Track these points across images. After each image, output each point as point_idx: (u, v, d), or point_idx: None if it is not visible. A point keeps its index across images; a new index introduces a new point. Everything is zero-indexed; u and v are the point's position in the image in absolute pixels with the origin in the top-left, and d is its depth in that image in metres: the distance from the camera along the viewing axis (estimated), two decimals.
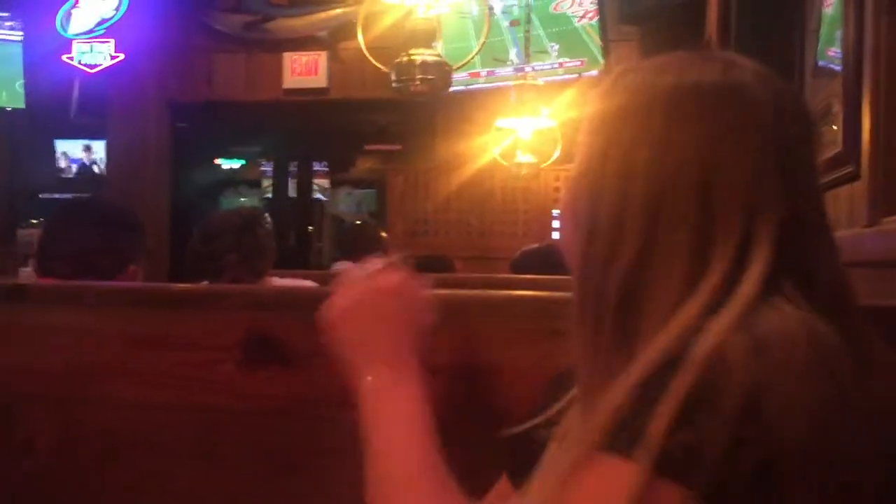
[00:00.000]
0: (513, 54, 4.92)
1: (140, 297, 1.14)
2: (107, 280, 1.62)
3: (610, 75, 0.74)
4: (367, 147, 8.31)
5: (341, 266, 3.52)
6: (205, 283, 2.21)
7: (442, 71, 2.13)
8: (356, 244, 3.65)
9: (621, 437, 0.56)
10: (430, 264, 4.22)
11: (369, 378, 0.79)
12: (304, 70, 5.84)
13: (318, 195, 8.95)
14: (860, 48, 1.59)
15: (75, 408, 1.11)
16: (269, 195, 8.76)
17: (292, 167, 8.49)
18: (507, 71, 5.17)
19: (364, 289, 0.83)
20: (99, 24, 5.95)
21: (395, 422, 0.77)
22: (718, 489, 0.53)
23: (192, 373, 1.08)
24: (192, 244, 2.31)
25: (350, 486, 1.03)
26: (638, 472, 0.54)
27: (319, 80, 5.81)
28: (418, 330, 0.83)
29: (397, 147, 7.41)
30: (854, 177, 1.58)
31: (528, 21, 4.41)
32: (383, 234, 3.86)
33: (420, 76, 2.07)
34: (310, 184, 8.54)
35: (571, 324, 0.70)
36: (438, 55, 2.15)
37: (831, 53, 1.98)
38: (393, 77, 2.16)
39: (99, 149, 7.18)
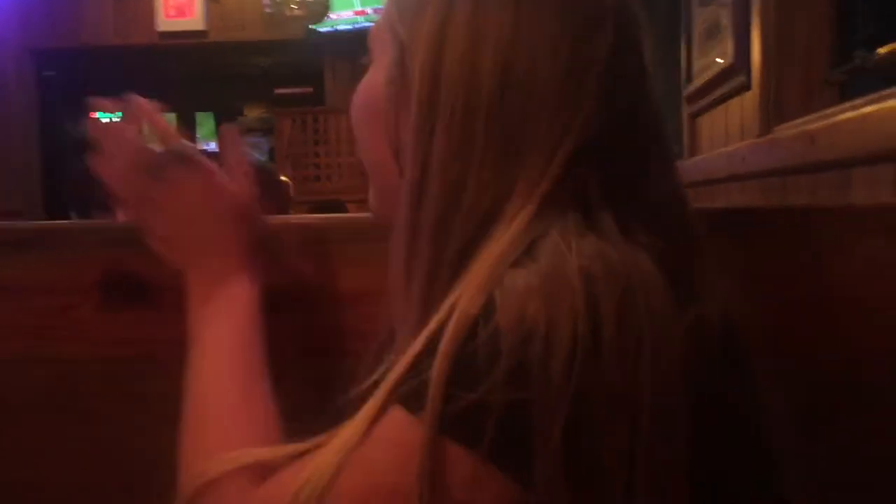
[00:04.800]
0: None
1: None
2: None
3: None
4: (250, 92, 8.02)
5: None
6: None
7: None
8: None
9: (409, 394, 0.53)
10: (324, 209, 4.11)
11: (191, 285, 0.73)
12: (178, 12, 5.53)
13: (210, 146, 8.60)
14: None
15: None
16: None
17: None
18: None
19: (159, 186, 0.73)
20: None
21: (216, 332, 0.71)
22: (505, 449, 0.50)
23: (44, 321, 0.96)
24: (76, 168, 2.13)
25: None
26: (424, 433, 0.51)
27: (196, 22, 5.52)
28: (235, 225, 0.74)
29: (284, 91, 7.17)
30: (745, 87, 1.57)
31: None
32: (284, 178, 3.70)
33: None
34: (194, 134, 8.19)
35: (392, 270, 0.63)
36: None
37: None
38: (266, 1, 2.00)
39: None
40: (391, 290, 0.65)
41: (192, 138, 0.76)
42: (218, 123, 8.66)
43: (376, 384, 0.67)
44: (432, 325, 0.55)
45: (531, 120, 0.58)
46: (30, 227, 1.07)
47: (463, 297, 0.53)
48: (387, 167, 0.66)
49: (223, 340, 0.71)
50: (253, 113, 8.89)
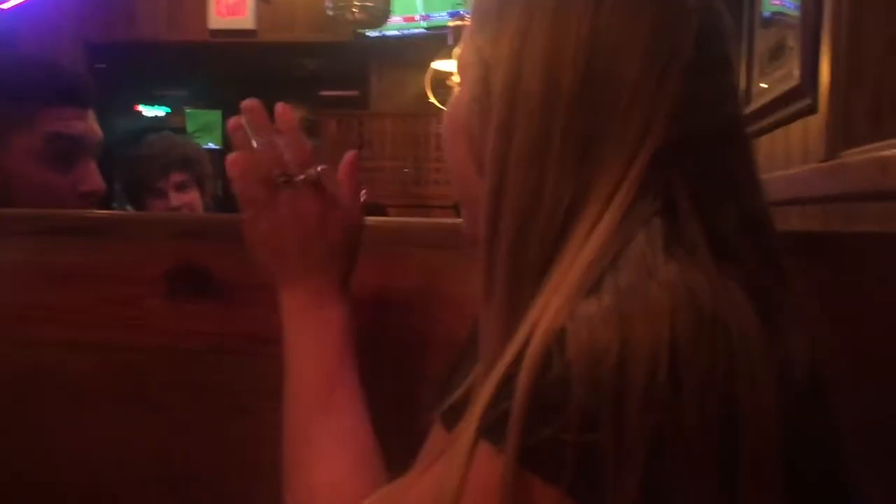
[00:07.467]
0: None
1: (50, 225, 1.01)
2: None
3: None
4: (294, 93, 8.08)
5: None
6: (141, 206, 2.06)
7: None
8: None
9: (492, 425, 0.52)
10: (365, 212, 4.13)
11: (286, 299, 0.75)
12: (229, 11, 5.59)
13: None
14: None
15: None
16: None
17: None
18: (442, 16, 5.05)
19: (285, 205, 0.76)
20: None
21: (307, 350, 0.74)
22: (584, 485, 0.49)
23: (114, 309, 0.97)
24: (130, 154, 2.14)
25: None
26: (505, 466, 0.50)
27: (246, 21, 5.58)
28: (342, 253, 0.77)
29: (329, 93, 7.23)
30: (811, 110, 1.55)
31: None
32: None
33: (358, 3, 1.94)
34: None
35: (478, 282, 0.62)
36: None
37: (775, 3, 1.96)
38: (329, 4, 2.01)
39: None
40: (476, 302, 0.65)
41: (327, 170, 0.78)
42: None
43: (457, 403, 0.67)
44: (511, 352, 0.53)
45: (610, 120, 0.57)
46: (102, 215, 1.08)
47: (540, 325, 0.52)
48: (473, 183, 0.65)
49: (316, 364, 0.73)
50: (295, 114, 8.97)
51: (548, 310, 0.53)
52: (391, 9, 1.92)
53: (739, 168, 0.62)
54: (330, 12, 1.92)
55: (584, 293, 0.52)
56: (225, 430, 0.96)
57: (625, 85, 0.57)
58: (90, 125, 1.30)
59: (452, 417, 0.65)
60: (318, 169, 0.76)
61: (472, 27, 0.67)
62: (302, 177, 0.75)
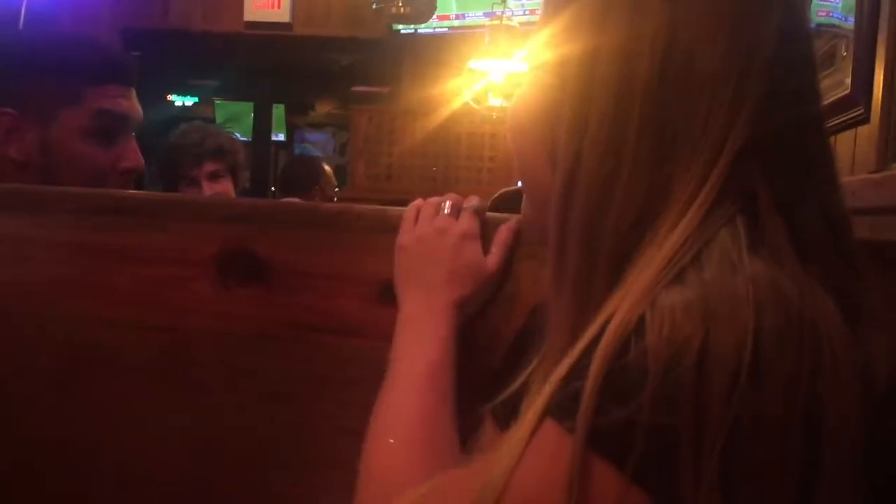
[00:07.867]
0: None
1: (103, 204, 1.02)
2: None
3: None
4: (324, 87, 8.10)
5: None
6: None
7: None
8: (297, 180, 3.47)
9: (560, 404, 0.51)
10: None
11: (403, 307, 0.80)
12: (266, 3, 5.61)
13: (278, 136, 8.69)
14: None
15: (27, 325, 0.99)
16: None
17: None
18: (477, 15, 5.04)
19: (430, 226, 0.83)
20: None
21: (411, 357, 0.76)
22: (651, 471, 0.48)
23: (161, 289, 0.97)
24: (165, 142, 2.17)
25: (330, 418, 0.94)
26: (573, 445, 0.49)
27: (282, 14, 5.59)
28: (468, 280, 0.81)
29: (362, 89, 7.23)
30: (862, 120, 1.52)
31: None
32: (326, 168, 3.62)
33: None
34: (269, 124, 8.29)
35: (549, 278, 0.62)
36: None
37: (822, 14, 1.94)
38: None
39: None
40: (546, 296, 0.64)
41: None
42: (287, 115, 8.75)
43: (510, 398, 0.67)
44: (587, 337, 0.53)
45: (689, 116, 0.56)
46: (152, 196, 1.09)
47: (619, 311, 0.51)
48: (541, 173, 0.65)
49: (419, 367, 0.75)
50: (324, 109, 8.97)
51: (624, 302, 0.52)
52: (436, 6, 1.92)
53: (820, 168, 0.61)
54: (375, 7, 1.92)
55: (665, 286, 0.51)
56: (257, 415, 0.96)
57: (705, 81, 0.56)
58: (134, 104, 1.33)
59: (505, 413, 0.65)
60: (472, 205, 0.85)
61: (545, 18, 0.66)
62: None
